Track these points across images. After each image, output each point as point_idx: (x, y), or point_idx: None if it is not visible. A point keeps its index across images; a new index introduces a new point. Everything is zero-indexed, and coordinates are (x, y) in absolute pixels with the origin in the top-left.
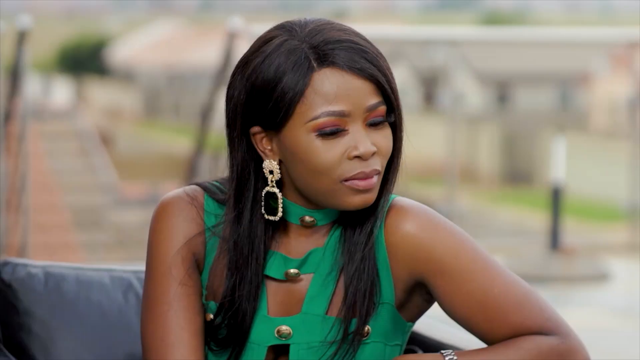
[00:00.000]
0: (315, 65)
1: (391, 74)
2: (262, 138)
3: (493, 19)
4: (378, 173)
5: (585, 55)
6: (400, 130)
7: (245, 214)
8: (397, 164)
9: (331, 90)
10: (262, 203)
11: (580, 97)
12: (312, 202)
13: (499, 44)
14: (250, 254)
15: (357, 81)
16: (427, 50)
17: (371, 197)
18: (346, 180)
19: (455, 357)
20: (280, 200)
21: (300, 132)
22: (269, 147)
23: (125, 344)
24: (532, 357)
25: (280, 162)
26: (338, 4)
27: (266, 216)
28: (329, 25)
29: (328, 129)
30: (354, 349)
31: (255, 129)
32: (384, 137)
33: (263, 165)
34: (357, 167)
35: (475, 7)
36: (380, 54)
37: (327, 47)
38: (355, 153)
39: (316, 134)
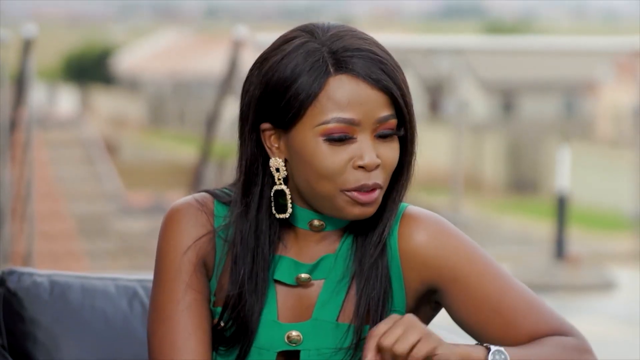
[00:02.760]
0: (332, 70)
1: (407, 87)
2: (271, 135)
3: (497, 27)
4: (380, 187)
5: (590, 63)
6: (412, 144)
7: (252, 210)
8: (407, 177)
9: (344, 97)
10: (272, 202)
11: (585, 106)
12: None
13: (503, 53)
14: (256, 249)
15: (371, 91)
16: (432, 59)
17: (371, 210)
18: (347, 190)
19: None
20: (288, 197)
21: (308, 134)
22: (276, 145)
23: (130, 353)
24: (558, 352)
25: (286, 162)
26: (342, 12)
27: (277, 215)
28: (351, 32)
29: (336, 135)
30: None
31: (266, 125)
32: (391, 150)
33: (270, 162)
34: (359, 179)
35: (479, 15)
36: (399, 67)
37: (346, 54)
38: (360, 163)
39: (324, 138)
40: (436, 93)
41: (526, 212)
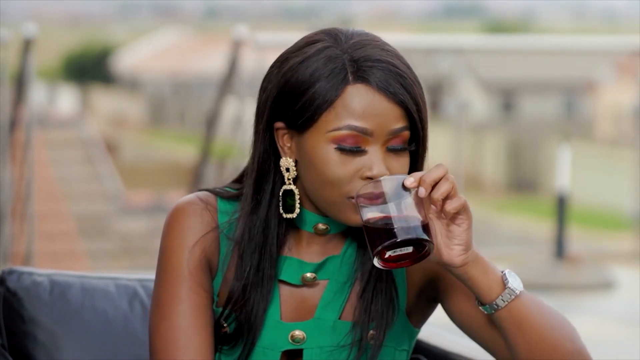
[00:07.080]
0: (350, 78)
1: (424, 102)
2: (284, 135)
3: (498, 26)
4: None
5: (590, 63)
6: (422, 161)
7: (262, 207)
8: None
9: (359, 106)
10: (280, 201)
11: (585, 106)
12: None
13: (504, 52)
14: (264, 247)
15: (386, 103)
16: (432, 58)
17: None
18: (353, 197)
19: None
20: (297, 197)
21: (320, 139)
22: (288, 145)
23: (130, 352)
24: (574, 333)
25: (296, 162)
26: (343, 12)
27: (285, 215)
28: (374, 42)
29: (348, 146)
30: (367, 355)
31: (279, 124)
32: (400, 164)
33: (280, 162)
34: None
35: (479, 14)
36: (417, 80)
37: (366, 64)
38: (369, 174)
39: (335, 146)
40: (436, 93)
41: (526, 211)
